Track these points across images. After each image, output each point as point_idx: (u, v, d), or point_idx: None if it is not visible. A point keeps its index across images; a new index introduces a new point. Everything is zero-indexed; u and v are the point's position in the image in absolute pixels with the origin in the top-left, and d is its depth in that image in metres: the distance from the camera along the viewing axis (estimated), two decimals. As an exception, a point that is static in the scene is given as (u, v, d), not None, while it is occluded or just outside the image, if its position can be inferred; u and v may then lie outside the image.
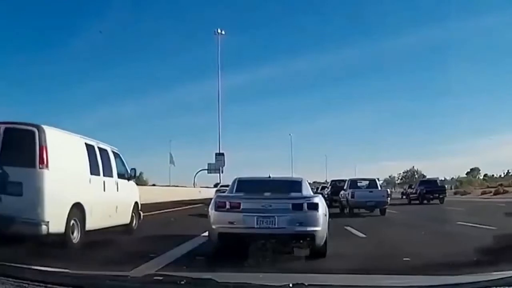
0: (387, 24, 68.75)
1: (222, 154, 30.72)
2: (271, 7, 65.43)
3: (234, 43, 65.38)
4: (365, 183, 20.61)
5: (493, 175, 70.42)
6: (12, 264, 2.10)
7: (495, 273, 1.95)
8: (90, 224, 8.09)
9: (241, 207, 7.10)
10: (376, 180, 21.21)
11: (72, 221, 7.55)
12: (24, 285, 1.84)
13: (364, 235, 10.46)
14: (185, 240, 8.61)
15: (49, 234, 6.91)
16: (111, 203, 9.30)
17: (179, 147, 72.65)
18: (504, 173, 68.41)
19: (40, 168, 7.04)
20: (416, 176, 78.78)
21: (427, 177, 42.69)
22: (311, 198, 7.38)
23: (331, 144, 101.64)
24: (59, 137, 7.80)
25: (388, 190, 23.47)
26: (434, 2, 64.52)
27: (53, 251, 6.16)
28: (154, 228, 11.27)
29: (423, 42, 68.09)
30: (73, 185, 7.90)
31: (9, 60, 55.24)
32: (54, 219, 7.04)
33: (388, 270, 5.06)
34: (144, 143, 73.34)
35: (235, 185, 8.40)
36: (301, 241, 7.00)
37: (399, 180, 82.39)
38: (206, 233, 7.65)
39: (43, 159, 7.08)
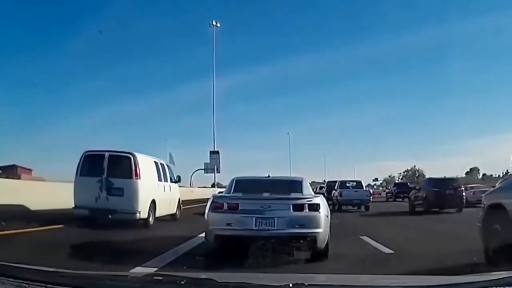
0: (387, 24, 69.19)
1: (217, 152, 29.31)
2: (271, 7, 65.32)
3: (233, 42, 65.36)
4: (353, 184, 23.20)
5: (491, 175, 70.40)
6: (12, 264, 2.10)
7: (495, 273, 1.95)
8: (158, 213, 12.55)
9: (239, 208, 6.89)
10: (362, 181, 24.23)
11: (150, 211, 11.93)
12: (24, 285, 1.84)
13: (391, 251, 7.66)
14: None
15: (139, 219, 11.50)
16: (167, 199, 13.63)
17: (177, 146, 72.56)
18: (503, 173, 68.36)
19: (135, 179, 11.49)
20: (417, 175, 78.80)
21: (427, 176, 44.40)
22: (312, 199, 7.10)
23: (331, 144, 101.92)
24: (143, 159, 12.16)
25: (371, 190, 29.58)
26: (434, 2, 64.53)
27: (142, 229, 11.26)
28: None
29: (423, 42, 68.50)
30: (151, 188, 12.27)
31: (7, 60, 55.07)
32: (142, 210, 11.51)
33: None
34: (141, 142, 73.12)
35: (233, 185, 8.13)
36: (302, 244, 6.69)
37: (399, 179, 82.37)
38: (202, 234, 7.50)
39: (137, 173, 11.53)
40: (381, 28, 71.17)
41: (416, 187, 23.23)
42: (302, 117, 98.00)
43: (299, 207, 6.84)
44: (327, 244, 6.86)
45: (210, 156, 29.36)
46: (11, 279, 1.88)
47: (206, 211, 7.20)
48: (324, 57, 75.50)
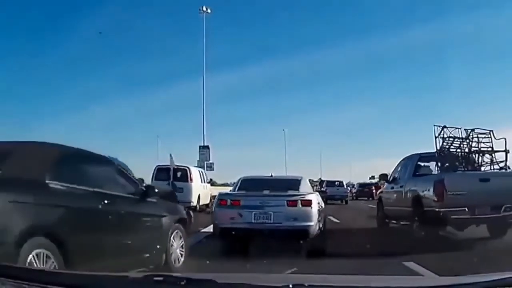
0: (380, 22, 69.17)
1: (207, 147, 27.71)
2: (266, 4, 65.20)
3: (231, 42, 65.25)
4: (337, 183, 33.25)
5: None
6: (12, 264, 2.10)
7: (495, 273, 1.95)
8: (201, 202, 19.59)
9: (241, 204, 7.66)
10: (343, 181, 34.89)
11: (197, 201, 19.11)
12: (24, 285, 1.84)
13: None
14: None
15: (191, 206, 16.95)
16: (205, 194, 20.75)
17: (170, 143, 72.39)
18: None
19: (190, 182, 18.91)
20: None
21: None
22: (305, 196, 7.79)
23: (327, 142, 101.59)
24: (193, 169, 20.28)
25: (349, 188, 39.94)
26: (430, 0, 64.59)
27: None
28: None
29: (419, 40, 68.12)
30: (198, 187, 19.74)
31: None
32: (193, 201, 18.63)
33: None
34: (133, 140, 72.96)
35: (239, 183, 8.93)
36: (295, 235, 7.39)
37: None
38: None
39: (191, 178, 19.10)
40: (374, 26, 71.05)
41: (355, 186, 43.91)
42: (299, 115, 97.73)
43: (293, 203, 7.56)
44: (319, 233, 7.78)
45: (199, 151, 27.68)
46: (11, 279, 1.87)
47: (213, 207, 8.03)
48: (323, 55, 75.25)
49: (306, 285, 1.84)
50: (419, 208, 9.17)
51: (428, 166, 10.44)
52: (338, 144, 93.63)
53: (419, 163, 10.50)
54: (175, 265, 6.04)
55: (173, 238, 6.09)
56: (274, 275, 3.45)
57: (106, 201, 5.01)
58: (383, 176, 13.14)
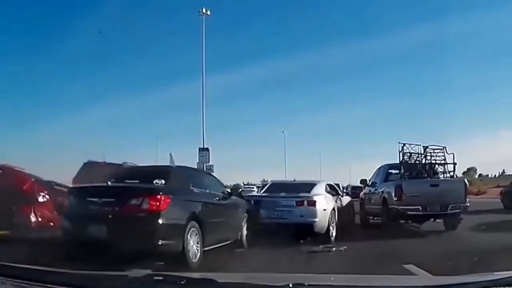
0: (378, 22, 68.07)
1: (207, 149, 27.95)
2: (265, 5, 64.99)
3: (231, 42, 65.19)
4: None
5: (487, 175, 70.42)
6: (12, 264, 2.10)
7: (495, 273, 1.95)
8: None
9: (262, 203, 9.59)
10: (339, 183, 38.01)
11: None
12: (24, 285, 1.84)
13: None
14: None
15: None
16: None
17: (170, 145, 72.13)
18: (499, 173, 68.50)
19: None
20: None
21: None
22: (312, 197, 9.55)
23: (327, 144, 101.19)
24: None
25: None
26: (430, 0, 64.59)
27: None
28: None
29: (419, 40, 67.93)
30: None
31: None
32: None
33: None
34: (132, 141, 72.80)
35: (267, 186, 11.47)
36: (303, 228, 8.98)
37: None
38: None
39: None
40: (372, 26, 70.47)
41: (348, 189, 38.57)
42: (299, 115, 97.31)
43: (300, 203, 9.37)
44: (327, 230, 9.46)
45: (199, 153, 27.80)
46: (11, 279, 1.87)
47: None
48: (322, 55, 75.06)
49: (306, 284, 1.84)
50: (386, 206, 11.58)
51: (395, 174, 12.48)
52: (338, 145, 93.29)
53: (389, 171, 12.88)
54: (245, 240, 8.60)
55: (244, 222, 8.75)
56: (274, 274, 3.45)
57: (217, 198, 8.07)
58: (363, 181, 14.95)
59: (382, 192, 12.11)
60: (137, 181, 7.13)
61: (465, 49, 66.18)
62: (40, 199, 10.30)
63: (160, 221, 6.18)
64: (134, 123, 73.75)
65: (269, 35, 70.50)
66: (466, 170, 72.86)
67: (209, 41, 30.16)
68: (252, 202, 9.64)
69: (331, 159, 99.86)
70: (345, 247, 8.14)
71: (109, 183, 7.18)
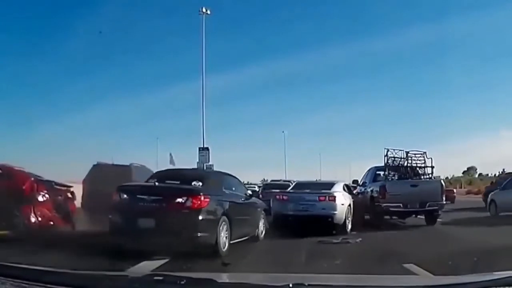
0: (378, 22, 68.08)
1: (207, 149, 28.08)
2: (265, 5, 64.85)
3: (230, 42, 65.12)
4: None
5: (487, 175, 70.44)
6: (12, 264, 2.10)
7: (495, 273, 1.95)
8: None
9: (289, 199, 11.58)
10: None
11: None
12: (24, 285, 1.84)
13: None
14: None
15: None
16: None
17: (170, 145, 71.80)
18: (499, 173, 68.52)
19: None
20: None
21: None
22: (332, 193, 11.29)
23: (327, 143, 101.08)
24: None
25: None
26: (430, 1, 64.44)
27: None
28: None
29: (419, 40, 67.84)
30: None
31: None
32: None
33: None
34: (132, 141, 72.57)
35: (293, 185, 13.70)
36: (324, 219, 10.79)
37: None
38: None
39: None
40: (372, 27, 70.35)
41: None
42: (299, 115, 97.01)
43: (322, 198, 11.16)
44: (344, 222, 11.10)
45: (199, 152, 27.90)
46: (11, 279, 1.87)
47: (271, 201, 12.08)
48: (322, 55, 74.96)
49: (306, 284, 1.84)
50: (373, 204, 13.26)
51: (381, 175, 14.37)
52: (338, 145, 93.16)
53: (377, 172, 14.61)
54: (261, 236, 9.90)
55: (261, 219, 10.11)
56: (274, 274, 3.45)
57: (242, 199, 9.36)
58: (355, 182, 16.51)
59: (371, 191, 13.80)
60: (177, 182, 8.21)
61: (465, 49, 66.31)
62: (40, 198, 10.29)
63: (200, 217, 7.32)
64: (134, 123, 73.71)
65: (269, 35, 70.62)
66: (466, 169, 73.12)
67: (209, 41, 30.16)
68: (281, 197, 11.77)
69: (331, 159, 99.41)
70: (360, 239, 9.57)
71: (156, 183, 8.14)
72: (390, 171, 13.89)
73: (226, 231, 7.79)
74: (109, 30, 62.62)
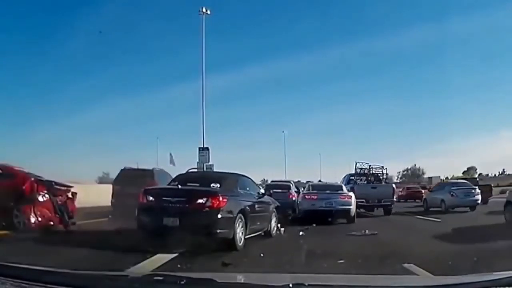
0: (378, 22, 68.12)
1: (207, 149, 28.02)
2: (266, 5, 64.81)
3: (230, 42, 65.07)
4: (323, 183, 40.87)
5: (487, 175, 70.42)
6: (12, 264, 2.09)
7: (495, 273, 1.95)
8: None
9: (316, 197, 15.29)
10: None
11: None
12: (24, 285, 1.84)
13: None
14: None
15: None
16: None
17: (170, 145, 71.74)
18: (499, 172, 68.50)
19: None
20: (419, 174, 78.85)
21: (427, 175, 43.97)
22: (347, 193, 15.57)
23: (327, 143, 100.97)
24: None
25: None
26: (430, 1, 64.44)
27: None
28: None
29: (419, 40, 67.87)
30: None
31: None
32: None
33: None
34: (132, 141, 72.30)
35: (310, 186, 17.19)
36: (343, 212, 14.71)
37: (397, 179, 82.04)
38: None
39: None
40: (374, 27, 70.33)
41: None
42: (299, 115, 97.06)
43: (343, 197, 15.19)
44: (354, 215, 14.90)
45: (199, 152, 27.87)
46: (11, 279, 1.87)
47: (299, 199, 16.43)
48: (322, 55, 74.93)
49: (306, 284, 1.84)
50: None
51: (353, 180, 20.33)
52: (338, 145, 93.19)
53: (350, 178, 20.72)
54: (273, 232, 10.71)
55: (273, 216, 10.95)
56: (274, 274, 3.45)
57: (255, 198, 10.05)
58: None
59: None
60: (198, 185, 9.01)
61: (465, 49, 66.39)
62: (40, 198, 10.30)
63: (219, 215, 8.03)
64: (134, 123, 73.76)
65: (269, 35, 70.63)
66: (466, 169, 73.03)
67: (209, 41, 30.16)
68: (311, 197, 15.39)
69: (331, 159, 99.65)
70: (376, 232, 10.99)
71: (179, 186, 8.84)
72: (358, 177, 20.30)
73: (242, 227, 8.51)
74: (109, 30, 62.99)
